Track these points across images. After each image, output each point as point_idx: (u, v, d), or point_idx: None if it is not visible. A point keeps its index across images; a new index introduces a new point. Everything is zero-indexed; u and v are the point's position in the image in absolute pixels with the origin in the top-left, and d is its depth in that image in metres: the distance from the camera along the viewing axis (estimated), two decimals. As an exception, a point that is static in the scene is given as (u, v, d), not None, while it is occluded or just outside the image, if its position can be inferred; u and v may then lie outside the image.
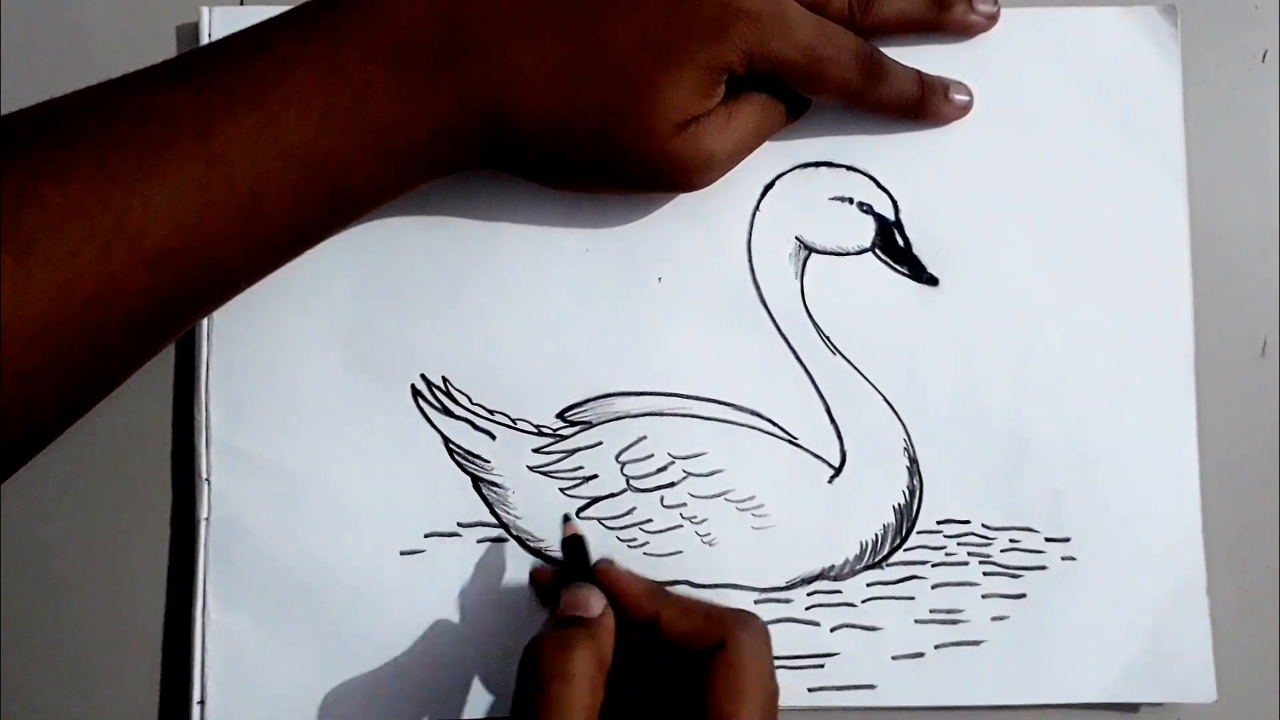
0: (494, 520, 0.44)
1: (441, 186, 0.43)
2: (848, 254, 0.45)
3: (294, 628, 0.43)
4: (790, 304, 0.45)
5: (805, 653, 0.44)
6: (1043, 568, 0.44)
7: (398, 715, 0.43)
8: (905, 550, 0.45)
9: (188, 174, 0.36)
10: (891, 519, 0.45)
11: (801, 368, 0.45)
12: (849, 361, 0.45)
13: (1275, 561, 0.46)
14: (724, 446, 0.45)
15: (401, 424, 0.44)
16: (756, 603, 0.44)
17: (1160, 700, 0.44)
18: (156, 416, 0.45)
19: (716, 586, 0.44)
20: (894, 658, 0.44)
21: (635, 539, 0.44)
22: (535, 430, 0.44)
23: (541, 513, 0.44)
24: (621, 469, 0.44)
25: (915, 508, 0.45)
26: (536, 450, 0.44)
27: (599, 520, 0.44)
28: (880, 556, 0.45)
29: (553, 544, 0.44)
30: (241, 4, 0.45)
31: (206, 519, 0.44)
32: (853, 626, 0.44)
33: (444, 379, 0.44)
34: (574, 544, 0.41)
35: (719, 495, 0.44)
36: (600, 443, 0.44)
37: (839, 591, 0.44)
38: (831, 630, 0.44)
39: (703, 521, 0.44)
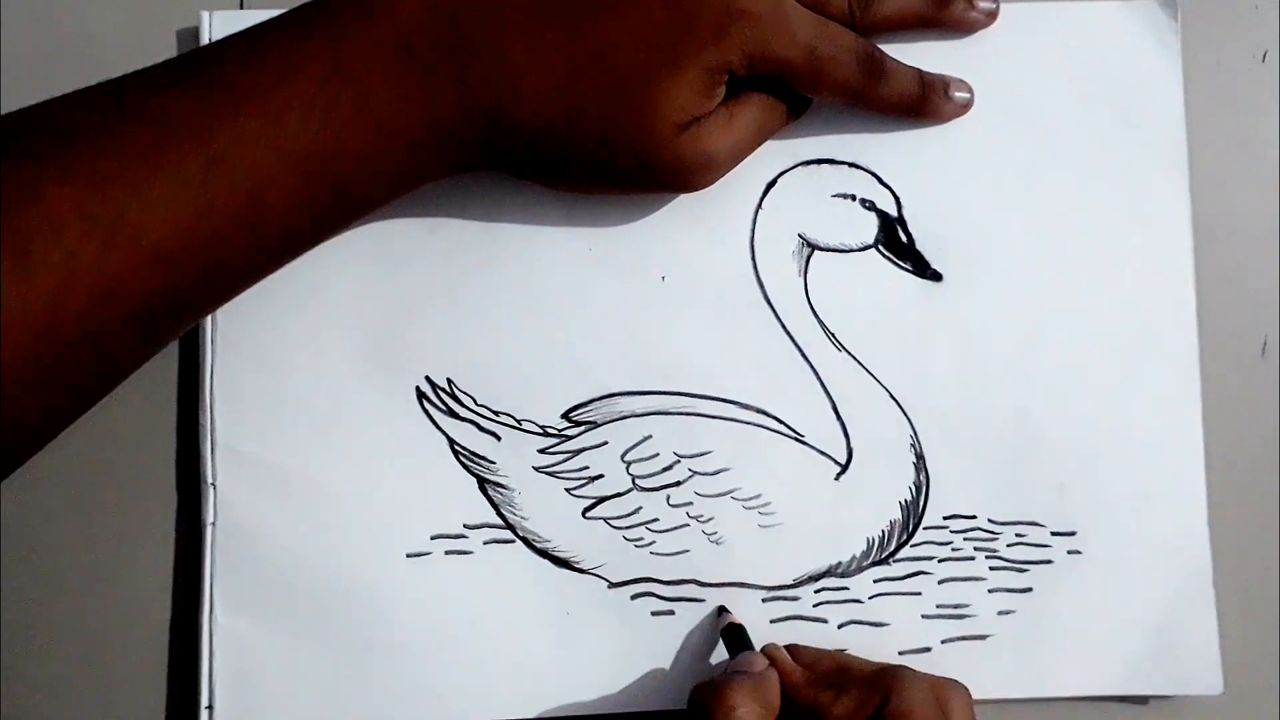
0: (500, 521, 0.44)
1: (444, 188, 0.43)
2: (851, 251, 0.45)
3: (301, 632, 0.43)
4: (794, 301, 0.45)
5: (813, 650, 0.44)
6: (1048, 562, 0.45)
7: (405, 718, 0.43)
8: (912, 546, 0.45)
9: (187, 174, 0.35)
10: (898, 515, 0.45)
11: (807, 365, 0.45)
12: (854, 358, 0.45)
13: (1275, 562, 0.46)
14: (730, 445, 0.44)
15: (406, 426, 0.44)
16: (764, 601, 0.44)
17: (1167, 693, 0.44)
18: (161, 421, 0.45)
19: (724, 585, 0.44)
20: (901, 653, 0.44)
21: (642, 538, 0.44)
22: (540, 431, 0.44)
23: (548, 513, 0.44)
24: (627, 468, 0.44)
25: (922, 504, 0.45)
26: (542, 451, 0.44)
27: (605, 520, 0.44)
28: (887, 553, 0.45)
29: (559, 544, 0.44)
30: (242, 7, 0.45)
31: (212, 524, 0.43)
32: (860, 623, 0.44)
33: (448, 381, 0.44)
34: (734, 632, 0.42)
35: (725, 494, 0.44)
36: (605, 442, 0.44)
37: (846, 588, 0.44)
38: (839, 627, 0.44)
39: (709, 520, 0.44)
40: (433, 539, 0.44)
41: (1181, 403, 0.45)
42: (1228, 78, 0.47)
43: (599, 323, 0.45)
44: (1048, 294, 0.45)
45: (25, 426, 0.36)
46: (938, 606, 0.44)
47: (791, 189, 0.45)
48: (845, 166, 0.45)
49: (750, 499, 0.44)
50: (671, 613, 0.44)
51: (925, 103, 0.44)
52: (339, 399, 0.44)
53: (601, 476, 0.44)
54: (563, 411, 0.44)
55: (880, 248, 0.45)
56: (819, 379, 0.45)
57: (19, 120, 0.36)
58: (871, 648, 0.44)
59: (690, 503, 0.44)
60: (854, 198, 0.45)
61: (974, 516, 0.45)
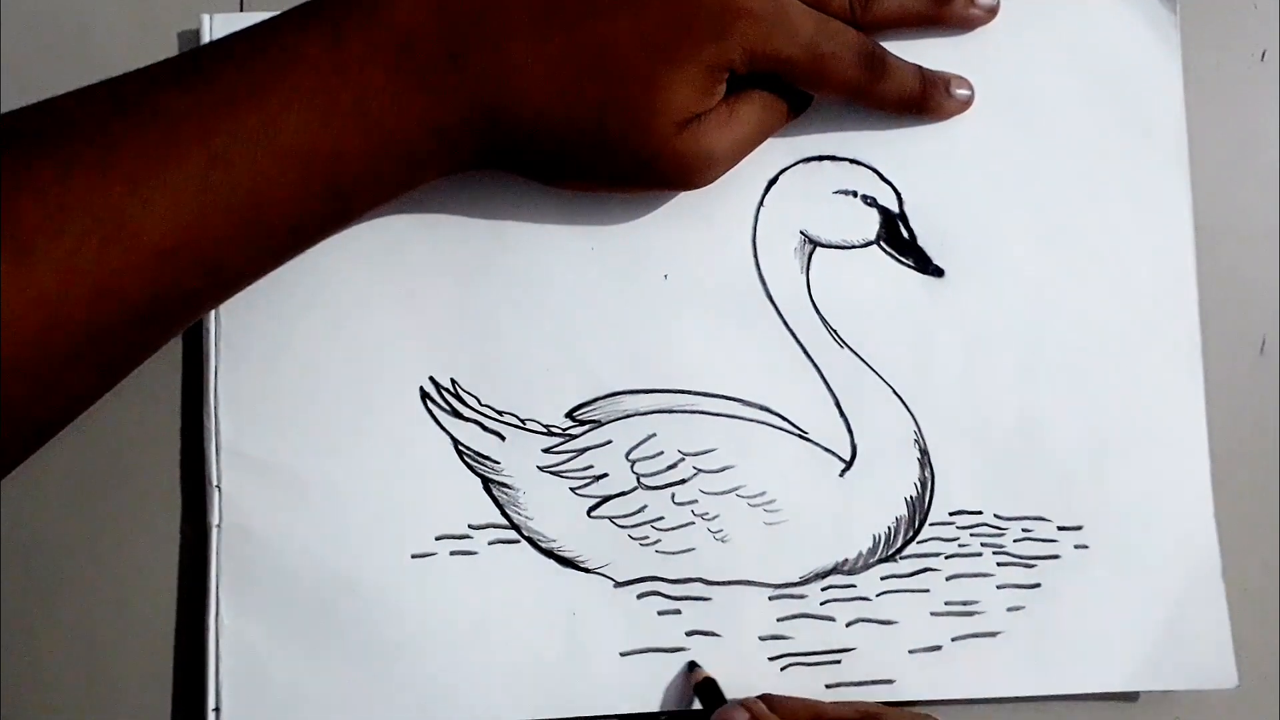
0: (505, 521, 0.44)
1: (446, 188, 0.43)
2: (853, 247, 0.45)
3: (307, 633, 0.43)
4: (797, 298, 0.45)
5: (822, 648, 0.44)
6: (1056, 556, 0.44)
7: (411, 719, 0.43)
8: (918, 542, 0.44)
9: (188, 172, 0.36)
10: (904, 511, 0.44)
11: (809, 362, 0.45)
12: (857, 355, 0.45)
13: (1275, 561, 0.46)
14: (734, 442, 0.44)
15: (411, 427, 0.44)
16: (771, 599, 0.44)
17: (1180, 687, 0.44)
18: (165, 424, 0.45)
19: (730, 583, 0.44)
20: (911, 651, 0.44)
21: (647, 537, 0.44)
22: (544, 430, 0.44)
23: (553, 512, 0.44)
24: (631, 467, 0.44)
25: (927, 499, 0.44)
26: (546, 450, 0.44)
27: (610, 519, 0.44)
28: (893, 549, 0.44)
29: (564, 543, 0.44)
30: (242, 9, 0.46)
31: (218, 525, 0.43)
32: (868, 621, 0.44)
33: (452, 381, 0.44)
34: (707, 687, 0.42)
35: (730, 491, 0.44)
36: (610, 441, 0.44)
37: (853, 586, 0.44)
38: (847, 625, 0.44)
39: (714, 518, 0.44)
40: (437, 539, 0.44)
41: (1185, 394, 0.45)
42: (1228, 77, 0.47)
43: (602, 322, 0.45)
44: (1050, 288, 0.45)
45: (25, 424, 0.36)
46: (946, 604, 0.44)
47: (793, 186, 0.45)
48: (847, 163, 0.45)
49: (755, 496, 0.44)
50: (678, 611, 0.44)
51: (926, 99, 0.45)
52: (343, 400, 0.44)
53: (606, 475, 0.44)
54: (566, 411, 0.44)
55: (882, 244, 0.45)
56: (822, 376, 0.45)
57: (19, 118, 0.36)
58: (880, 646, 0.44)
59: (695, 501, 0.44)
60: (855, 194, 0.45)
61: (980, 512, 0.45)
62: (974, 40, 0.46)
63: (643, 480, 0.44)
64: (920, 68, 0.44)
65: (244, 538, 0.43)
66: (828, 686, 0.44)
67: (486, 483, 0.44)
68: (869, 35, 0.43)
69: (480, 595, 0.44)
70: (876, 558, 0.44)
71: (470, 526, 0.44)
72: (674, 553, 0.44)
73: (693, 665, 0.43)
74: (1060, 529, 0.44)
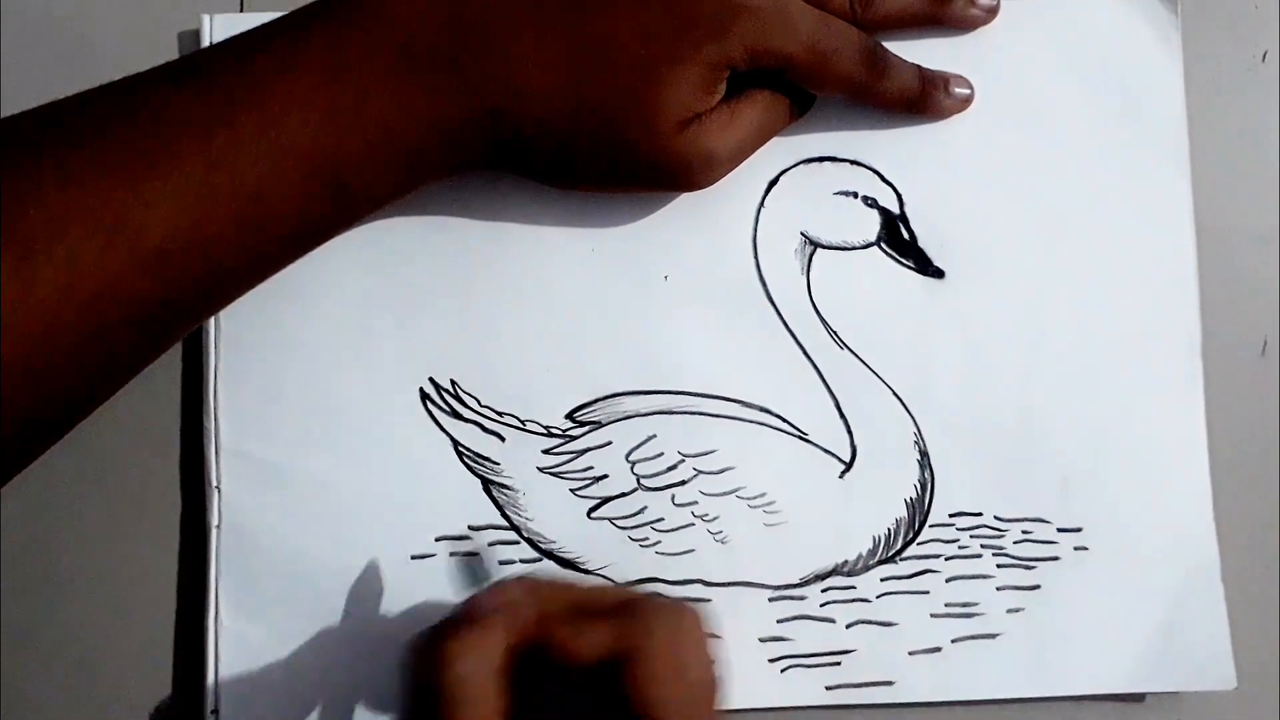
0: (505, 523, 0.44)
1: (446, 189, 0.43)
2: (853, 248, 0.45)
3: (306, 634, 0.43)
4: (797, 299, 0.45)
5: (822, 650, 0.44)
6: (1055, 558, 0.44)
7: (412, 721, 0.43)
8: (918, 544, 0.44)
9: (189, 175, 0.36)
10: (904, 513, 0.44)
11: (809, 363, 0.45)
12: (857, 356, 0.45)
13: (1276, 561, 0.46)
14: (734, 444, 0.44)
15: (410, 428, 0.44)
16: (771, 600, 0.44)
17: (1179, 689, 0.44)
18: (165, 424, 0.45)
19: (730, 585, 0.44)
20: (911, 653, 0.44)
21: (647, 538, 0.44)
22: (544, 431, 0.44)
23: (553, 514, 0.44)
24: (632, 468, 0.44)
25: (927, 501, 0.44)
26: (546, 451, 0.44)
27: (610, 520, 0.44)
28: (893, 551, 0.44)
29: (564, 545, 0.44)
30: (242, 10, 0.45)
31: (217, 526, 0.43)
32: (868, 622, 0.44)
33: (452, 382, 0.44)
34: (467, 568, 0.42)
35: (730, 493, 0.44)
36: (610, 442, 0.44)
37: (853, 587, 0.44)
38: (847, 627, 0.44)
39: (714, 519, 0.44)
40: (437, 540, 0.44)
41: (1185, 396, 0.45)
42: (1228, 78, 0.47)
43: (602, 323, 0.45)
44: (1050, 290, 0.45)
45: (26, 429, 0.36)
46: (946, 605, 0.44)
47: (793, 187, 0.45)
48: (847, 164, 0.45)
49: (755, 498, 0.44)
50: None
51: (926, 98, 0.44)
52: (342, 401, 0.44)
53: (606, 477, 0.44)
54: (567, 412, 0.44)
55: (883, 245, 0.45)
56: (822, 377, 0.45)
57: (20, 122, 0.36)
58: (880, 647, 0.44)
59: (695, 502, 0.44)
60: (856, 195, 0.45)
61: (980, 514, 0.44)
62: (974, 41, 0.46)
63: (643, 481, 0.44)
64: (920, 67, 0.44)
65: (244, 539, 0.43)
66: (828, 688, 0.44)
67: (486, 484, 0.44)
68: (869, 34, 0.43)
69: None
70: (876, 559, 0.44)
71: (470, 528, 0.44)
72: (674, 554, 0.44)
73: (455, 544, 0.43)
74: (1060, 531, 0.44)
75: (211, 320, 0.44)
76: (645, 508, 0.44)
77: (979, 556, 0.44)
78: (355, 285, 0.44)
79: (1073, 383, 0.45)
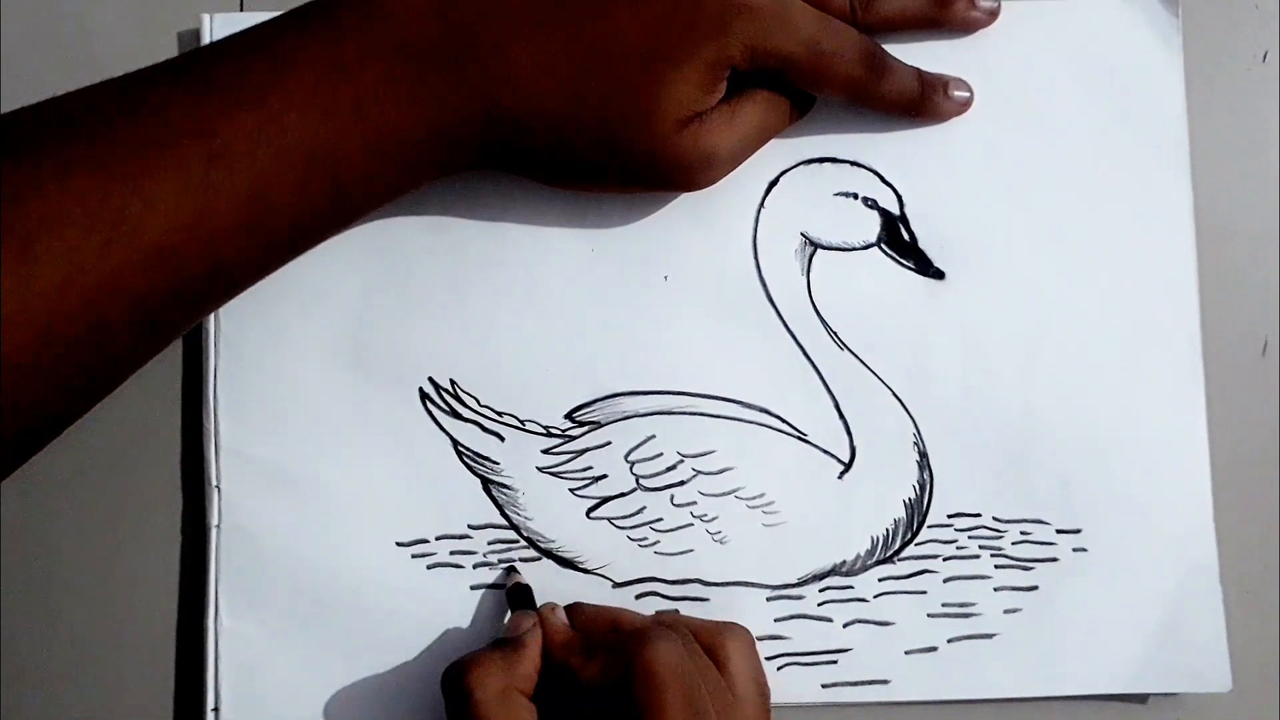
0: (504, 522, 0.44)
1: (446, 189, 0.43)
2: (853, 249, 0.45)
3: (306, 633, 0.43)
4: (797, 300, 0.45)
5: (818, 649, 0.44)
6: (1054, 559, 0.44)
7: (412, 719, 0.43)
8: (916, 545, 0.45)
9: (188, 173, 0.36)
10: (902, 513, 0.44)
11: (809, 364, 0.45)
12: (856, 357, 0.45)
13: (1276, 562, 0.46)
14: (733, 444, 0.44)
15: (410, 427, 0.44)
16: (769, 600, 0.44)
17: (1174, 690, 0.44)
18: (165, 424, 0.45)
19: (728, 584, 0.44)
20: (907, 652, 0.44)
21: (646, 538, 0.44)
22: (544, 431, 0.44)
23: (552, 513, 0.44)
24: (631, 468, 0.44)
25: (926, 502, 0.45)
26: (545, 451, 0.44)
27: (609, 520, 0.44)
28: (891, 551, 0.44)
29: (563, 544, 0.44)
30: (242, 9, 0.45)
31: (217, 526, 0.44)
32: (865, 622, 0.44)
33: (452, 381, 0.44)
34: (519, 593, 0.42)
35: (729, 493, 0.44)
36: (609, 442, 0.44)
37: (851, 587, 0.44)
38: (844, 626, 0.44)
39: (713, 520, 0.44)
40: (437, 539, 0.44)
41: (1185, 397, 0.45)
42: (1228, 78, 0.47)
43: (602, 323, 0.45)
44: (1050, 291, 0.45)
45: (26, 424, 0.36)
46: (943, 605, 0.44)
47: (794, 188, 0.45)
48: (847, 165, 0.45)
49: (754, 498, 0.44)
50: (676, 612, 0.44)
51: (925, 101, 0.44)
52: (342, 401, 0.44)
53: (605, 477, 0.44)
54: (566, 412, 0.45)
55: (883, 246, 0.45)
56: (822, 378, 0.45)
57: (20, 118, 0.36)
58: (877, 646, 0.44)
59: (694, 502, 0.44)
60: (856, 196, 0.45)
61: (979, 515, 0.45)
62: (975, 41, 0.45)
63: (642, 481, 0.44)
64: (920, 70, 0.44)
65: (243, 538, 0.44)
66: (824, 686, 0.44)
67: (486, 483, 0.44)
68: (870, 36, 0.43)
69: (479, 595, 0.44)
70: (874, 559, 0.44)
71: (470, 527, 0.44)
72: (673, 554, 0.44)
73: (510, 569, 0.44)
74: (1059, 532, 0.45)
75: (211, 320, 0.44)
76: (644, 508, 0.44)
77: (977, 557, 0.45)
78: (354, 285, 0.44)
79: (1072, 383, 0.45)
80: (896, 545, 0.44)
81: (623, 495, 0.44)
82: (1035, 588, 0.44)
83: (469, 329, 0.44)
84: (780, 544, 0.44)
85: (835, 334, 0.45)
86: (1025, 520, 0.45)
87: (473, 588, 0.44)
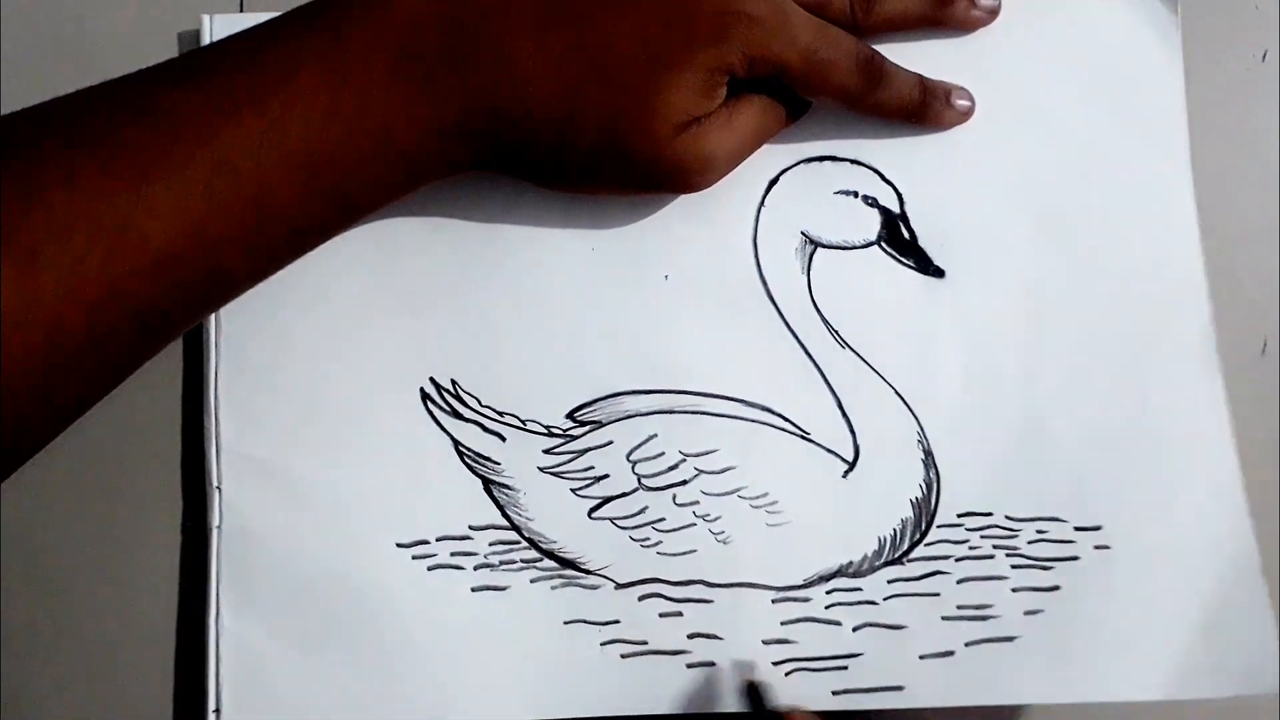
0: (506, 522, 0.44)
1: (446, 189, 0.43)
2: (854, 248, 0.45)
3: (308, 634, 0.43)
4: (798, 299, 0.45)
5: (827, 654, 0.43)
6: (1075, 558, 0.43)
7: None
8: (926, 545, 0.43)
9: (191, 176, 0.36)
10: (909, 513, 0.44)
11: (811, 362, 0.44)
12: (858, 355, 0.44)
13: (1276, 564, 0.44)
14: (735, 443, 0.44)
15: (411, 428, 0.44)
16: (774, 602, 0.43)
17: (1219, 694, 0.42)
18: (166, 425, 0.45)
19: (732, 586, 0.43)
20: (921, 657, 0.43)
21: (648, 538, 0.44)
22: (545, 431, 0.44)
23: (553, 514, 0.44)
24: (633, 468, 0.44)
25: (934, 501, 0.44)
26: (547, 451, 0.44)
27: (611, 520, 0.44)
28: (900, 552, 0.43)
29: (565, 545, 0.43)
30: (242, 9, 0.47)
31: (218, 527, 0.44)
32: (876, 625, 0.43)
33: (453, 382, 0.44)
34: (755, 691, 0.42)
35: (732, 493, 0.44)
36: (611, 442, 0.44)
37: (859, 589, 0.43)
38: (854, 630, 0.43)
39: (716, 519, 0.44)
40: (438, 540, 0.44)
41: (1201, 388, 0.44)
42: (1228, 77, 0.47)
43: (602, 322, 0.45)
44: (1051, 288, 0.45)
45: (26, 427, 0.36)
46: (958, 607, 0.43)
47: (794, 186, 0.45)
48: (847, 163, 0.45)
49: (757, 498, 0.44)
50: (679, 614, 0.43)
51: (925, 109, 0.45)
52: (343, 401, 0.44)
53: (607, 476, 0.44)
54: (567, 411, 0.44)
55: (883, 244, 0.45)
56: (823, 377, 0.44)
57: (21, 121, 0.37)
58: (889, 651, 0.43)
59: (697, 502, 0.44)
60: (856, 195, 0.45)
61: (990, 514, 0.44)
62: (975, 41, 0.46)
63: (644, 481, 0.44)
64: (921, 77, 0.44)
65: (244, 539, 0.43)
66: (834, 693, 0.43)
67: (487, 484, 0.44)
68: (870, 37, 0.44)
69: (480, 596, 0.43)
70: (883, 560, 0.43)
71: (470, 527, 0.44)
72: (675, 554, 0.44)
73: (753, 682, 0.43)
74: (1077, 529, 0.43)
75: (211, 320, 0.45)
76: (646, 508, 0.44)
77: (991, 557, 0.43)
78: (355, 285, 0.45)
79: (1077, 380, 0.44)
80: (905, 546, 0.43)
81: (624, 495, 0.44)
82: (1057, 588, 0.43)
83: (470, 329, 0.45)
84: (785, 544, 0.43)
85: (836, 332, 0.44)
86: (1040, 519, 0.43)
87: (473, 589, 0.43)
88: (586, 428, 0.44)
